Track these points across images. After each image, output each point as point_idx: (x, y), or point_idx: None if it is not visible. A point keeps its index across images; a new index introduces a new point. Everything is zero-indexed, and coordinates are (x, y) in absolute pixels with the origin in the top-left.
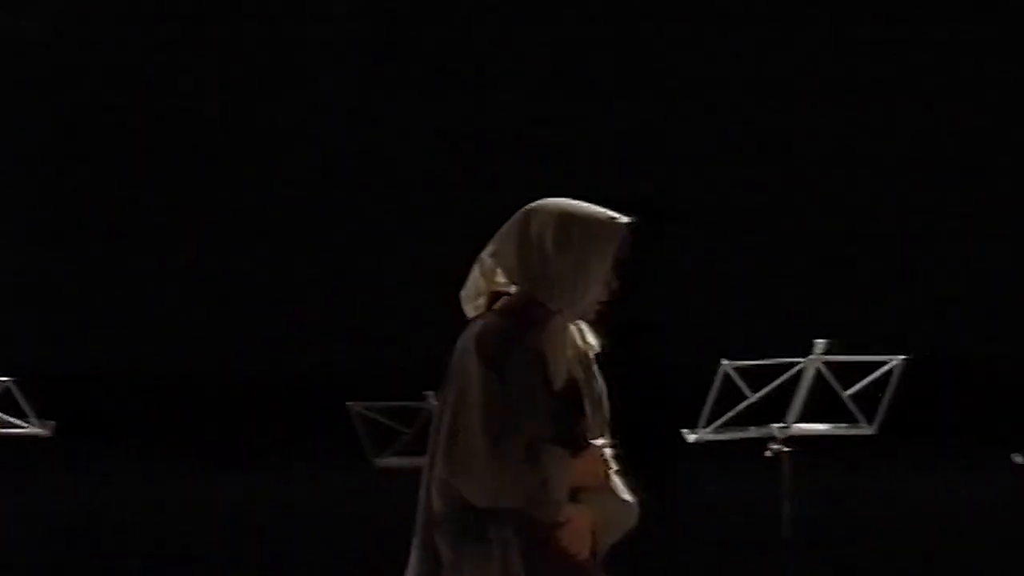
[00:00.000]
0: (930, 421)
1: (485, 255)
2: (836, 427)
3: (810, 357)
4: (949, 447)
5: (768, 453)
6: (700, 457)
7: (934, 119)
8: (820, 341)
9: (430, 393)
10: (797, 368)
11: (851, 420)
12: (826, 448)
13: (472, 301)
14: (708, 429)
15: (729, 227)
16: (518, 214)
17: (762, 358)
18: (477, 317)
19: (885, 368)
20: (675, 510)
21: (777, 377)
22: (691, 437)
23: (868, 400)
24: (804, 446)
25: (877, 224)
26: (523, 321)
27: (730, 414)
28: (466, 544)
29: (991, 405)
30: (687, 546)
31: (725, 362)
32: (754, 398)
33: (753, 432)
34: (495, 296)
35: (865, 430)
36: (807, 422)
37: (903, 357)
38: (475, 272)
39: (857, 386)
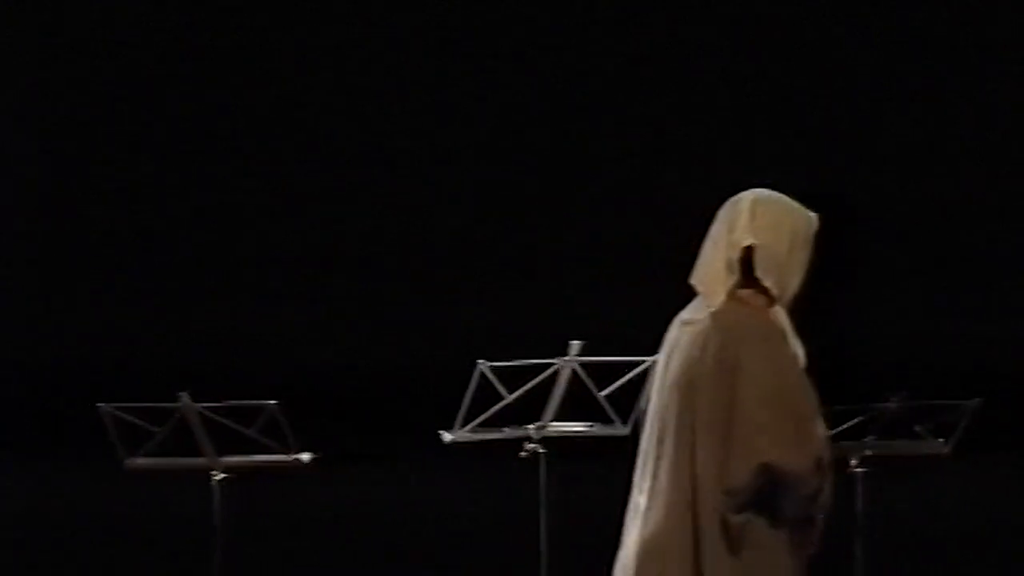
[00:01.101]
0: None
1: (723, 244)
2: (592, 427)
3: (565, 358)
4: None
5: (523, 454)
6: (459, 458)
7: None
8: (575, 342)
9: (183, 394)
10: (553, 369)
11: (607, 420)
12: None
13: (716, 288)
14: (465, 429)
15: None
16: (743, 204)
17: (519, 359)
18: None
19: (640, 368)
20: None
21: (533, 378)
22: (447, 438)
23: (624, 400)
24: (560, 447)
25: (636, 226)
26: (766, 308)
27: (487, 414)
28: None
29: None
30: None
31: (481, 362)
32: (510, 398)
33: (509, 432)
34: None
35: (620, 430)
36: (563, 422)
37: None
38: (717, 261)
39: (612, 386)
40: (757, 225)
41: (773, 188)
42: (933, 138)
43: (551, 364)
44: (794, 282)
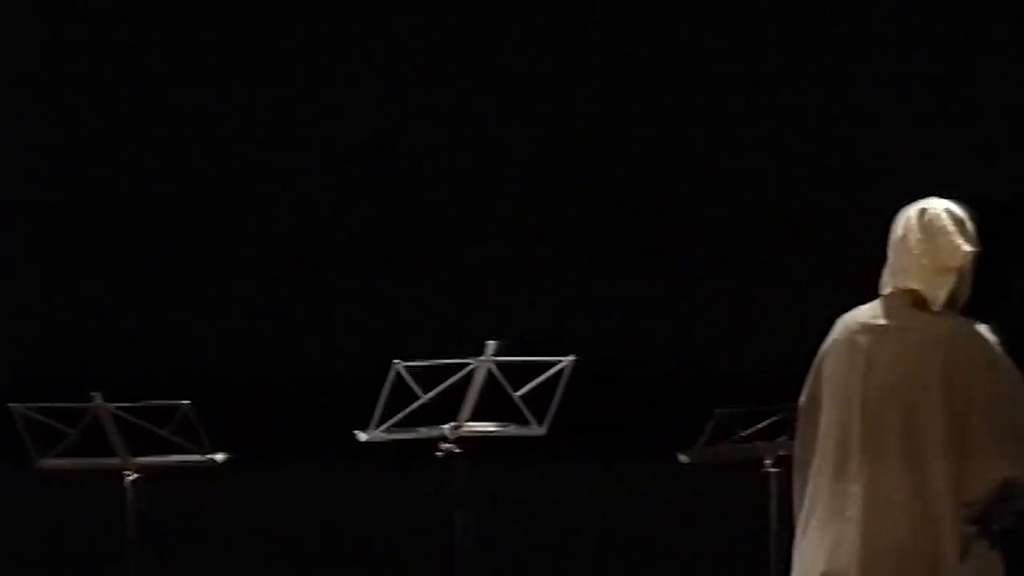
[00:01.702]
0: (599, 421)
1: (943, 251)
2: (507, 427)
3: (481, 357)
4: (616, 446)
5: (439, 453)
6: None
7: None
8: (492, 342)
9: (96, 394)
10: (469, 368)
11: (522, 420)
12: (498, 449)
13: (938, 294)
14: (380, 429)
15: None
16: (938, 214)
17: (434, 358)
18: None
19: (556, 368)
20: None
21: (449, 377)
22: (363, 437)
23: (540, 400)
24: (476, 447)
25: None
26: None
27: (402, 414)
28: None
29: (656, 405)
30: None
31: (397, 362)
32: (426, 398)
33: (424, 432)
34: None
35: (536, 431)
36: (479, 422)
37: (573, 358)
38: (932, 269)
39: (528, 387)
40: (968, 235)
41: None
42: None
43: (467, 364)
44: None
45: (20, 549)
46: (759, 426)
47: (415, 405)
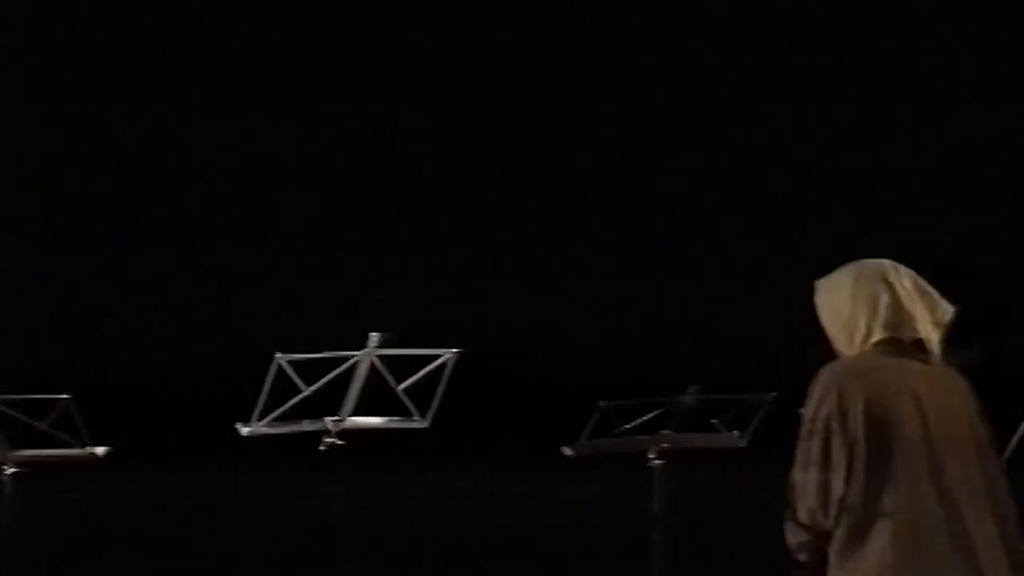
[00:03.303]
0: (484, 414)
1: (939, 307)
2: (390, 420)
3: (364, 350)
4: (500, 440)
5: (322, 447)
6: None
7: None
8: (375, 334)
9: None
10: (352, 361)
11: (405, 413)
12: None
13: (935, 339)
14: (262, 423)
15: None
16: (918, 278)
17: (317, 351)
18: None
19: (439, 361)
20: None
21: (332, 370)
22: (244, 431)
23: (423, 393)
24: (358, 441)
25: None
26: None
27: (284, 408)
28: None
29: (541, 399)
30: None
31: (279, 355)
32: (308, 391)
33: (307, 426)
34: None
35: (419, 423)
36: (362, 415)
37: (456, 350)
38: (929, 321)
39: (411, 379)
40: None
41: None
42: None
43: (350, 356)
44: None
45: None
46: (642, 419)
47: (297, 399)
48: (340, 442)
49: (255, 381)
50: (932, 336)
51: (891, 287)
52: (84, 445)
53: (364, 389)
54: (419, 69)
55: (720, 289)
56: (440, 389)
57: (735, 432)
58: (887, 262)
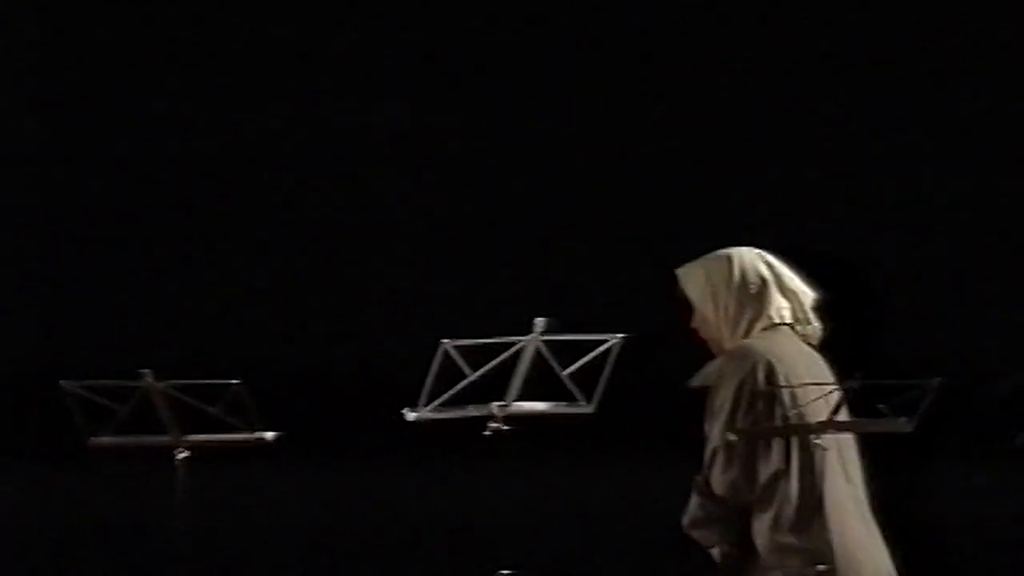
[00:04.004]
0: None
1: (807, 293)
2: (556, 405)
3: (530, 336)
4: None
5: (488, 432)
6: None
7: None
8: (540, 320)
9: (146, 372)
10: (517, 347)
11: (571, 399)
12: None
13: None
14: (428, 408)
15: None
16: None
17: (483, 337)
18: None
19: (604, 347)
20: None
21: (497, 356)
22: (411, 416)
23: (587, 378)
24: (523, 425)
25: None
26: None
27: (450, 393)
28: None
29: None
30: None
31: (445, 341)
32: (474, 376)
33: (473, 411)
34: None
35: (584, 409)
36: (527, 400)
37: (622, 336)
38: (801, 304)
39: (576, 364)
40: None
41: None
42: None
43: (516, 342)
44: None
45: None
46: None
47: (463, 384)
48: (506, 427)
49: (421, 367)
50: (812, 319)
51: (772, 273)
52: (253, 430)
53: (529, 374)
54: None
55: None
56: (605, 374)
57: (902, 418)
58: (754, 250)
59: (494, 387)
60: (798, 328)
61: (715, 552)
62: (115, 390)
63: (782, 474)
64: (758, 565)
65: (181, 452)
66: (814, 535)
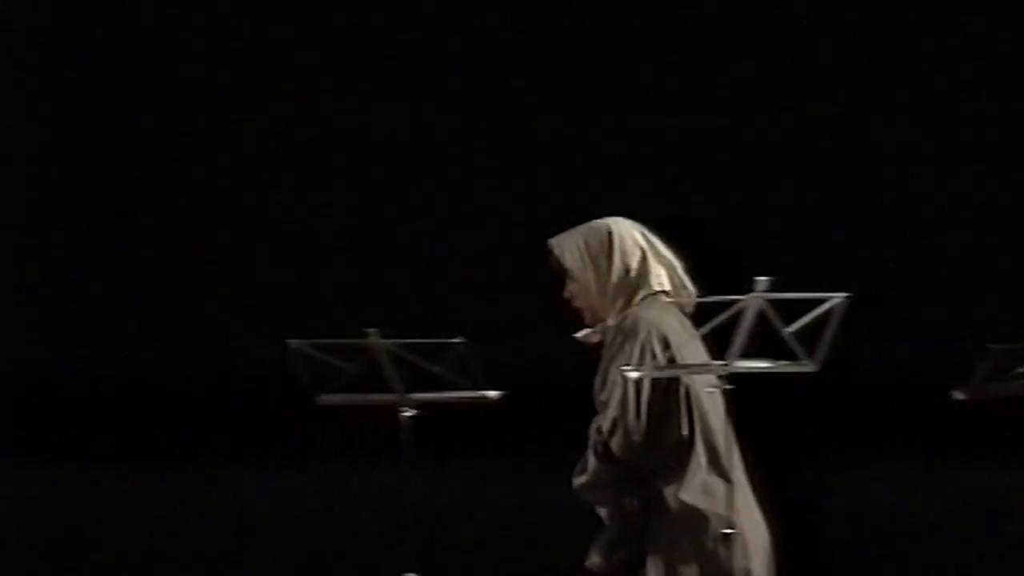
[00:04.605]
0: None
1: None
2: (778, 364)
3: (751, 295)
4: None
5: (709, 390)
6: None
7: None
8: (762, 278)
9: (372, 330)
10: (739, 306)
11: (793, 358)
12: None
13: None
14: (648, 367)
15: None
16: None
17: (703, 296)
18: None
19: (826, 306)
20: None
21: (718, 315)
22: (633, 375)
23: (809, 337)
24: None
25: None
26: None
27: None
28: None
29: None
30: None
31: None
32: (697, 334)
33: (696, 370)
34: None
35: (807, 367)
36: (748, 359)
37: (844, 295)
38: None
39: (798, 323)
40: None
41: None
42: None
43: (737, 301)
44: None
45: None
46: None
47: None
48: (729, 386)
49: None
50: (688, 285)
51: (647, 242)
52: (477, 388)
53: (751, 333)
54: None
55: None
56: (828, 333)
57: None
58: (625, 219)
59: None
60: (673, 296)
61: (603, 511)
62: (341, 349)
63: (686, 440)
64: (664, 528)
65: (407, 410)
66: (720, 500)
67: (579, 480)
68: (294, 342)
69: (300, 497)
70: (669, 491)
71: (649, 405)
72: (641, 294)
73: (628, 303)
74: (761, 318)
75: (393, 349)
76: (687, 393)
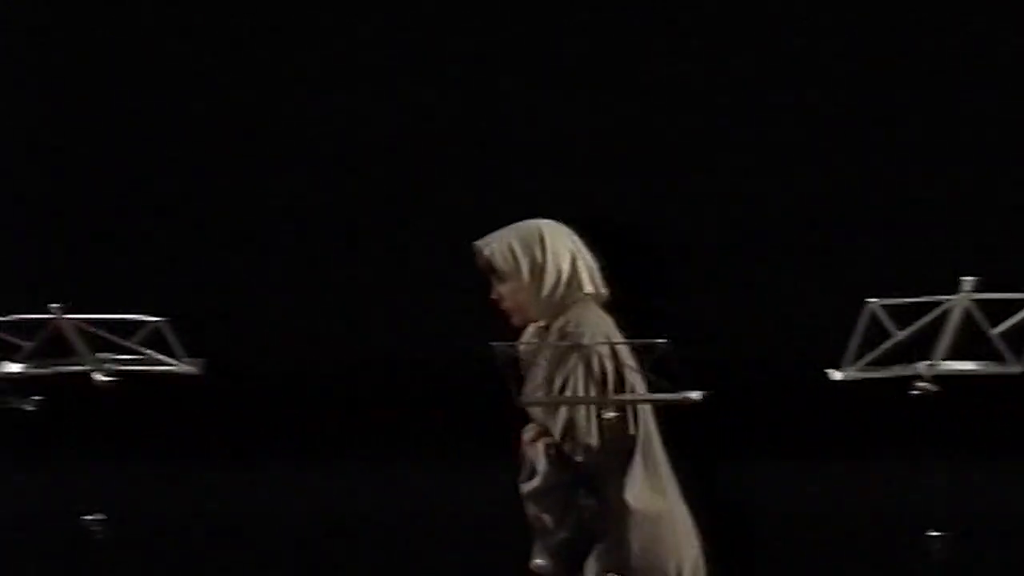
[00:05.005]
0: None
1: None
2: (985, 365)
3: (958, 295)
4: None
5: (915, 391)
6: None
7: None
8: (968, 278)
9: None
10: (945, 306)
11: (999, 359)
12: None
13: None
14: (854, 367)
15: None
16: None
17: (908, 296)
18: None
19: None
20: None
21: (924, 315)
22: (837, 375)
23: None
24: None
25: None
26: None
27: (877, 352)
28: None
29: None
30: None
31: (871, 300)
32: (900, 336)
33: (899, 370)
34: None
35: (1014, 368)
36: (954, 360)
37: None
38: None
39: (1006, 323)
40: None
41: None
42: None
43: (943, 301)
44: None
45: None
46: None
47: (889, 343)
48: (933, 388)
49: (844, 327)
50: (603, 287)
51: (573, 243)
52: (678, 390)
53: (958, 334)
54: None
55: None
56: None
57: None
58: (550, 221)
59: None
60: (596, 298)
61: (548, 517)
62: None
63: (633, 441)
64: (611, 529)
65: (608, 412)
66: (670, 499)
67: (529, 486)
68: (497, 344)
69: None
70: (616, 492)
71: (601, 408)
72: (574, 296)
73: (561, 305)
74: (969, 318)
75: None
76: (632, 386)
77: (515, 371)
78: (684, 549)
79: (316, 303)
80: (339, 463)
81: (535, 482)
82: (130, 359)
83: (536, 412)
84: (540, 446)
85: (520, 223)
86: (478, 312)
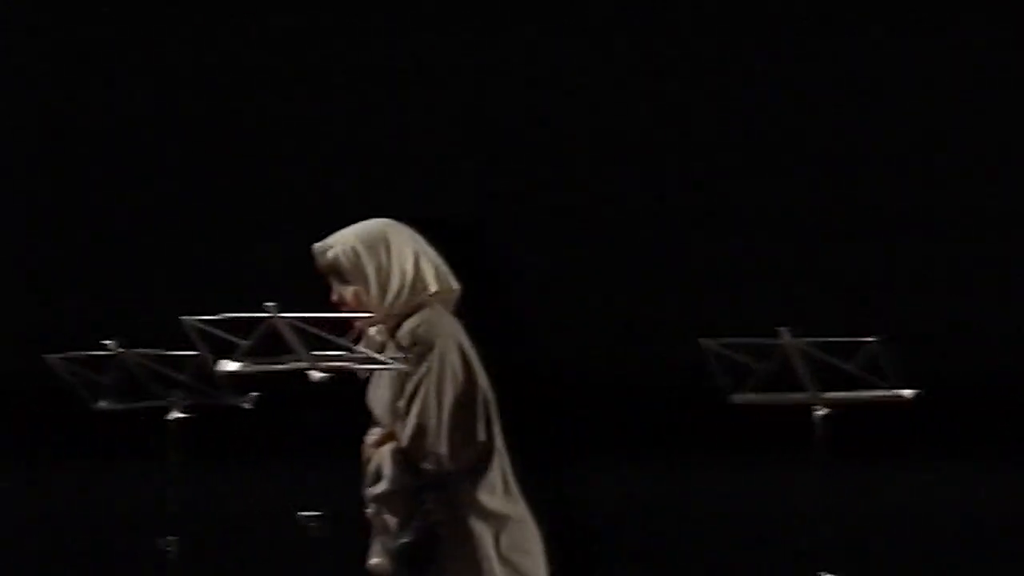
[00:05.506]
0: None
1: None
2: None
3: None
4: None
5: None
6: None
7: None
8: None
9: (783, 329)
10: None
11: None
12: None
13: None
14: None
15: None
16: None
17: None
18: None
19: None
20: None
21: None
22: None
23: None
24: None
25: None
26: None
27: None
28: None
29: None
30: None
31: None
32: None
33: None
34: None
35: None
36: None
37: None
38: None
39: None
40: None
41: None
42: None
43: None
44: None
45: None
46: None
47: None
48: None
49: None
50: (453, 284)
51: (415, 242)
52: (890, 387)
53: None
54: None
55: None
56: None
57: None
58: (392, 221)
59: None
60: (443, 295)
61: (393, 520)
62: (754, 348)
63: (484, 445)
64: (462, 531)
65: (819, 409)
66: (519, 503)
67: (376, 490)
68: (706, 341)
69: (713, 495)
70: (468, 495)
71: (451, 412)
72: (419, 298)
73: (406, 306)
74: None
75: (805, 348)
76: (484, 399)
77: (723, 369)
78: (542, 554)
79: None
80: None
81: (382, 486)
82: (342, 355)
83: (382, 416)
84: (386, 451)
85: (361, 223)
86: None
